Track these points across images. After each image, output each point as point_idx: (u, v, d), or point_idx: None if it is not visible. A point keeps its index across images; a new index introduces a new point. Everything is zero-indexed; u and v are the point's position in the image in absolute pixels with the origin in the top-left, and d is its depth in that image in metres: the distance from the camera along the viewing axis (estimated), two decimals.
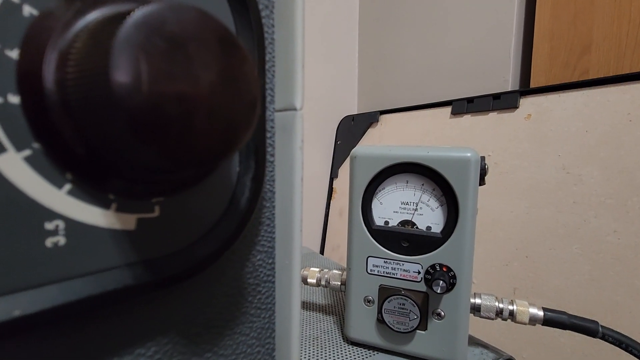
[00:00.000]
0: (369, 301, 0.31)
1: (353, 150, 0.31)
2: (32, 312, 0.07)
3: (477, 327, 0.47)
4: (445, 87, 0.80)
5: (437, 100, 0.77)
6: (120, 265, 0.09)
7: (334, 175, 1.03)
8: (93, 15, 0.07)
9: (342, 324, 0.36)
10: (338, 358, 0.30)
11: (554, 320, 0.28)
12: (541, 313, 0.28)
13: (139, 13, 0.06)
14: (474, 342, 0.33)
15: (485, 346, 0.32)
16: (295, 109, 0.12)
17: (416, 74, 0.87)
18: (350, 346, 0.32)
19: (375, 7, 0.99)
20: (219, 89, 0.07)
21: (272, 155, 0.12)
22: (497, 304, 0.29)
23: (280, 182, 0.12)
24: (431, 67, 0.83)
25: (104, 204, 0.08)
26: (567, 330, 0.28)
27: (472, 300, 0.30)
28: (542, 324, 0.29)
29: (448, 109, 0.74)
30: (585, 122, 0.53)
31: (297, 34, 0.11)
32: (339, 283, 0.35)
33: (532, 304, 0.29)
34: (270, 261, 0.13)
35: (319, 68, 0.98)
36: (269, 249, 0.13)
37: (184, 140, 0.07)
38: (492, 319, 0.30)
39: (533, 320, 0.29)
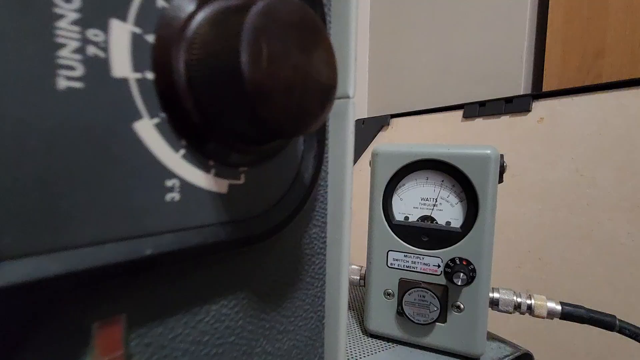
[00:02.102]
0: (389, 294, 0.32)
1: (375, 147, 0.32)
2: (157, 253, 0.08)
3: (490, 328, 0.48)
4: (457, 90, 0.81)
5: (449, 104, 0.78)
6: (216, 223, 0.10)
7: None
8: (211, 8, 0.09)
9: (361, 318, 0.37)
10: (358, 349, 0.31)
11: (572, 314, 0.29)
12: (559, 307, 0.29)
13: (260, 5, 0.07)
14: (491, 337, 0.33)
15: (502, 341, 0.33)
16: (348, 97, 0.13)
17: (427, 78, 0.89)
18: (370, 338, 0.33)
19: (386, 10, 1.01)
20: (314, 70, 0.08)
21: (327, 139, 0.14)
22: (515, 298, 0.30)
23: (333, 163, 0.14)
24: (443, 71, 0.84)
25: (206, 168, 0.10)
26: (580, 334, 0.28)
27: (491, 295, 0.30)
28: (560, 318, 0.29)
29: (460, 113, 0.75)
30: (599, 125, 0.54)
31: (351, 28, 0.12)
32: (358, 277, 0.36)
33: (549, 299, 0.30)
34: (323, 235, 0.14)
35: None
36: (322, 223, 0.14)
37: (287, 110, 0.08)
38: (510, 313, 0.30)
39: (551, 314, 0.29)
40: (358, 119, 1.03)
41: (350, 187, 0.13)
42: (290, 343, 0.13)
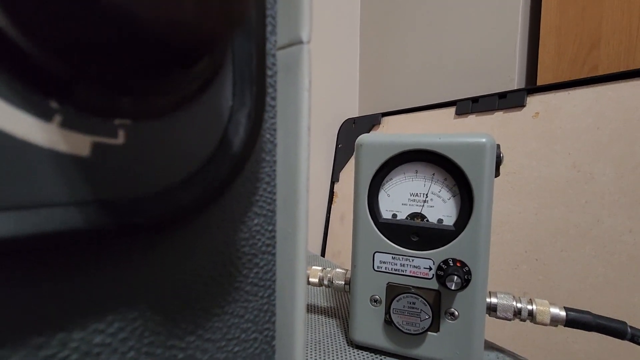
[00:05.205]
0: (375, 301, 0.29)
1: (359, 137, 0.29)
2: None
3: (487, 335, 0.45)
4: (449, 87, 0.78)
5: (441, 101, 0.75)
6: (66, 203, 0.06)
7: (335, 179, 1.01)
8: None
9: (346, 327, 0.34)
10: None
11: (577, 320, 0.26)
12: (563, 313, 0.26)
13: None
14: (488, 345, 0.30)
15: (501, 350, 0.30)
16: (301, 42, 0.10)
17: (419, 75, 0.86)
18: (355, 350, 0.30)
19: (377, 7, 0.99)
20: None
21: (274, 99, 0.10)
22: (514, 303, 0.27)
23: (283, 132, 0.10)
24: (434, 67, 0.82)
25: (43, 113, 0.06)
26: (582, 338, 0.25)
27: (488, 300, 0.28)
28: (565, 325, 0.26)
29: (452, 110, 0.73)
30: (595, 118, 0.52)
31: None
32: (343, 282, 0.33)
33: (552, 304, 0.27)
34: (270, 228, 0.11)
35: (319, 70, 0.97)
36: (268, 212, 0.10)
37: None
38: (510, 320, 0.27)
39: (555, 321, 0.26)
40: (349, 119, 1.01)
41: (306, 163, 0.10)
42: None
